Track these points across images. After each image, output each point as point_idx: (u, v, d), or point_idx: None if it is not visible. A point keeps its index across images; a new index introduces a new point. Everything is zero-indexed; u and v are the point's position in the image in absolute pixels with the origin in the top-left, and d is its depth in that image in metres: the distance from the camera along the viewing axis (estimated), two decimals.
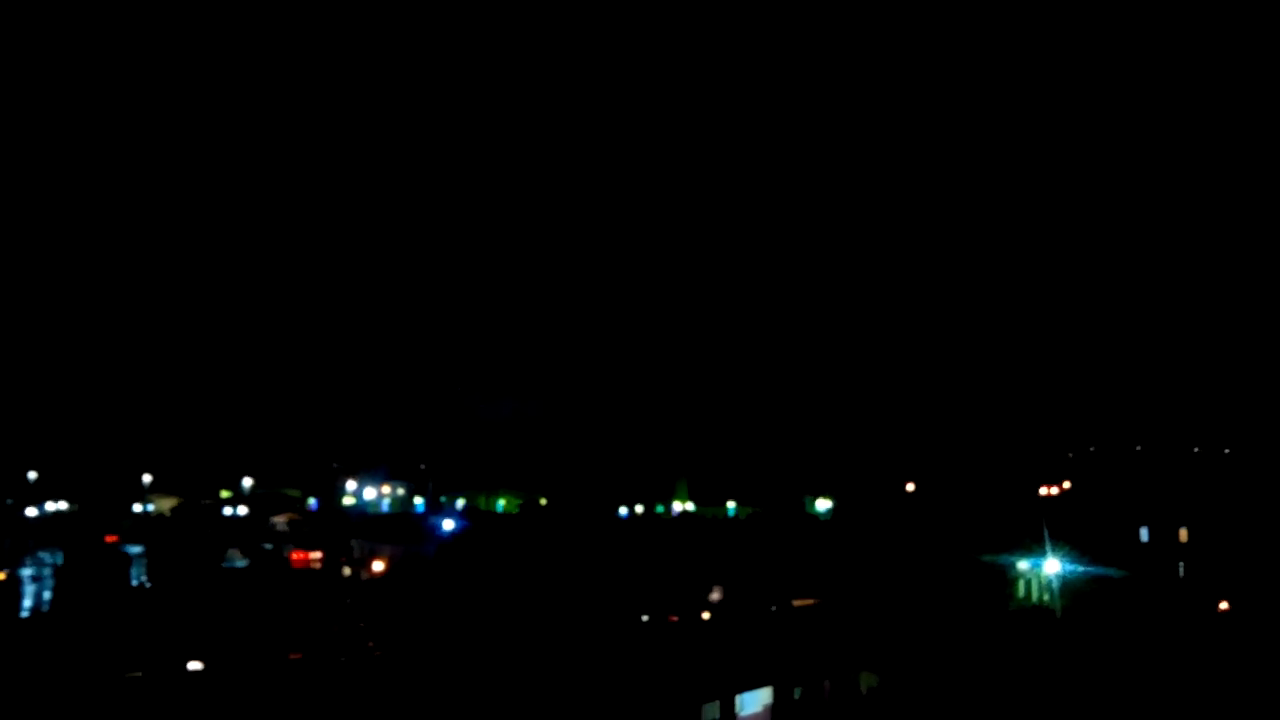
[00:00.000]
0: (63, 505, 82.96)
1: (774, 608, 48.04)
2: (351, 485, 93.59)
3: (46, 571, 62.24)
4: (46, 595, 55.96)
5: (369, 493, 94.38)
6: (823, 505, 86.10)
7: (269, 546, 71.85)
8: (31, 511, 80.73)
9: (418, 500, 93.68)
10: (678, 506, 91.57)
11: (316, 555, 69.18)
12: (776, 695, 38.48)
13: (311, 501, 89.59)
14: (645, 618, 46.42)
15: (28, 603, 54.81)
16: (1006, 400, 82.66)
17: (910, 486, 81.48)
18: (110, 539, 72.31)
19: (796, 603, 49.62)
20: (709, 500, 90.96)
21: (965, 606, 46.51)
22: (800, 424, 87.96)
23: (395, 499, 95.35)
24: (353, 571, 63.75)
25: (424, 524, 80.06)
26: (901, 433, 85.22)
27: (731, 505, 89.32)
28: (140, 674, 35.53)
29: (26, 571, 62.37)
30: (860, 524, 72.30)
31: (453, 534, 73.97)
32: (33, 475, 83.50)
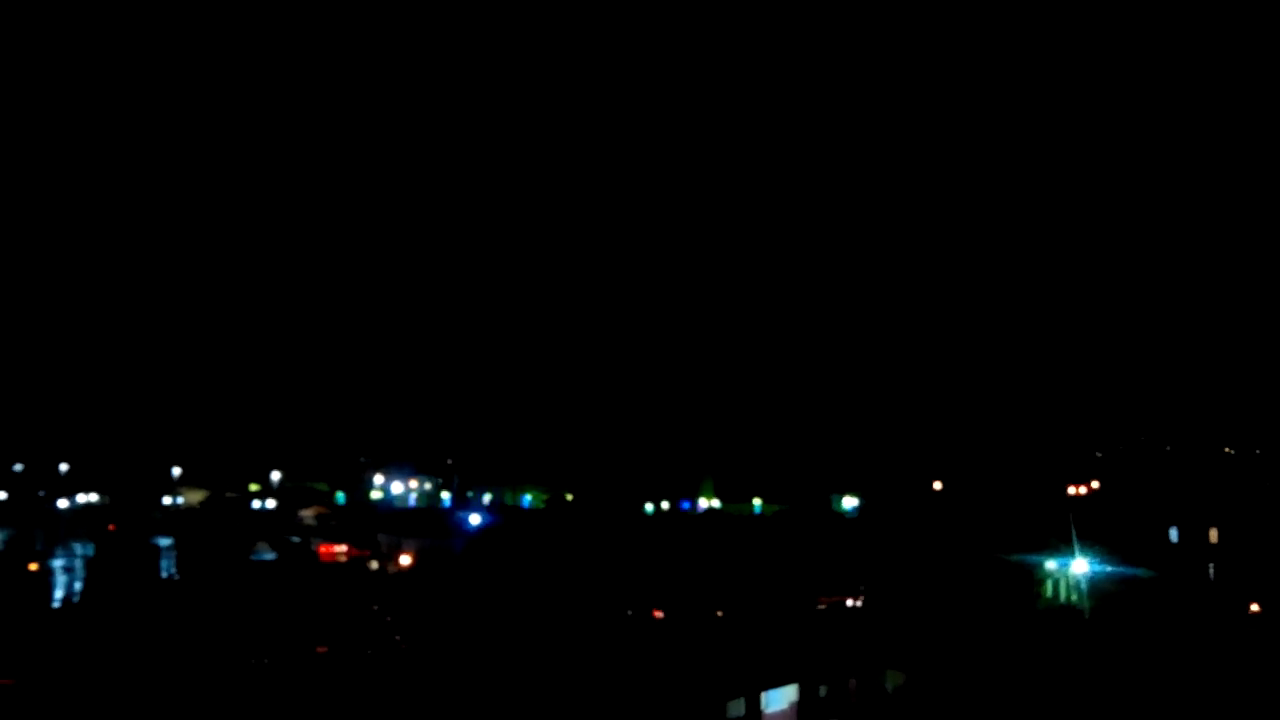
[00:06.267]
0: (93, 497, 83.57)
1: (800, 605, 47.99)
2: (379, 479, 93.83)
3: (78, 563, 62.80)
4: (78, 586, 56.48)
5: (396, 487, 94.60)
6: (849, 503, 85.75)
7: (297, 540, 72.17)
8: (62, 503, 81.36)
9: (444, 495, 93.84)
10: (704, 503, 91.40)
11: (343, 549, 69.46)
12: (802, 692, 38.41)
13: (339, 495, 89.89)
14: (668, 613, 46.46)
15: (59, 593, 55.33)
16: (1035, 399, 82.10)
17: (938, 485, 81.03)
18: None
19: (823, 600, 49.54)
20: (735, 497, 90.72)
21: (992, 606, 46.30)
22: (827, 422, 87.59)
23: (422, 493, 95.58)
24: (380, 565, 64.01)
25: (450, 518, 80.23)
26: (929, 431, 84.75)
27: (758, 502, 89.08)
28: (169, 665, 35.82)
29: (58, 563, 62.93)
30: (887, 522, 72.02)
31: (479, 529, 74.13)
32: (64, 467, 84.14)
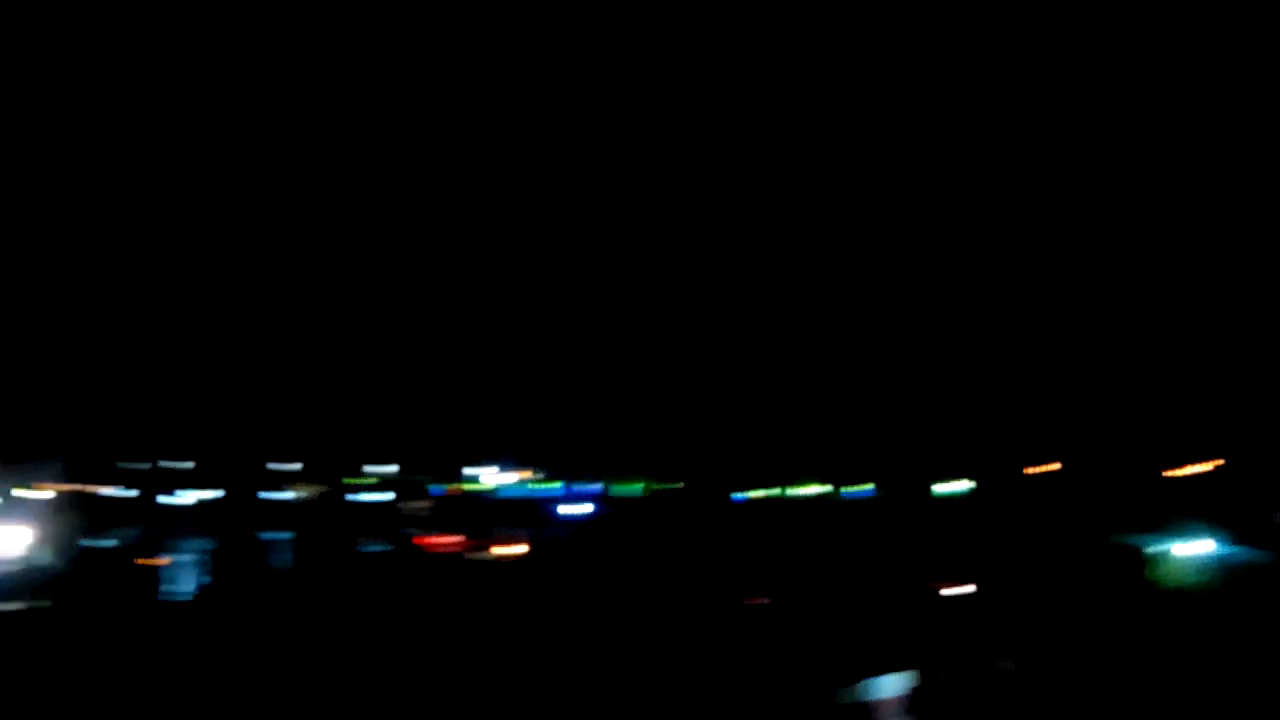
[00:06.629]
0: (212, 494, 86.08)
1: (910, 591, 47.74)
2: (486, 471, 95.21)
3: (200, 557, 64.81)
4: (200, 581, 58.37)
5: (504, 478, 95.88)
6: (956, 487, 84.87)
7: (405, 532, 73.49)
8: (183, 500, 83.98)
9: (549, 485, 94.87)
10: (809, 489, 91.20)
11: (453, 540, 70.57)
12: (913, 680, 38.27)
13: (449, 487, 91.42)
14: (775, 600, 46.55)
15: (183, 588, 57.25)
16: (1149, 373, 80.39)
17: (1047, 467, 79.73)
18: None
19: (932, 586, 49.19)
20: (839, 482, 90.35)
21: (1104, 590, 45.60)
22: (932, 404, 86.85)
23: (530, 484, 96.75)
24: (489, 556, 65.06)
25: (556, 509, 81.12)
26: (1037, 411, 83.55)
27: (865, 487, 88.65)
28: (287, 656, 36.98)
29: (181, 558, 65.02)
30: (996, 506, 71.17)
31: (586, 518, 74.91)
32: (184, 465, 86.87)
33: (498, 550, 65.23)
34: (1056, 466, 79.16)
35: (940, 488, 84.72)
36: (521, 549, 61.57)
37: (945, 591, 48.55)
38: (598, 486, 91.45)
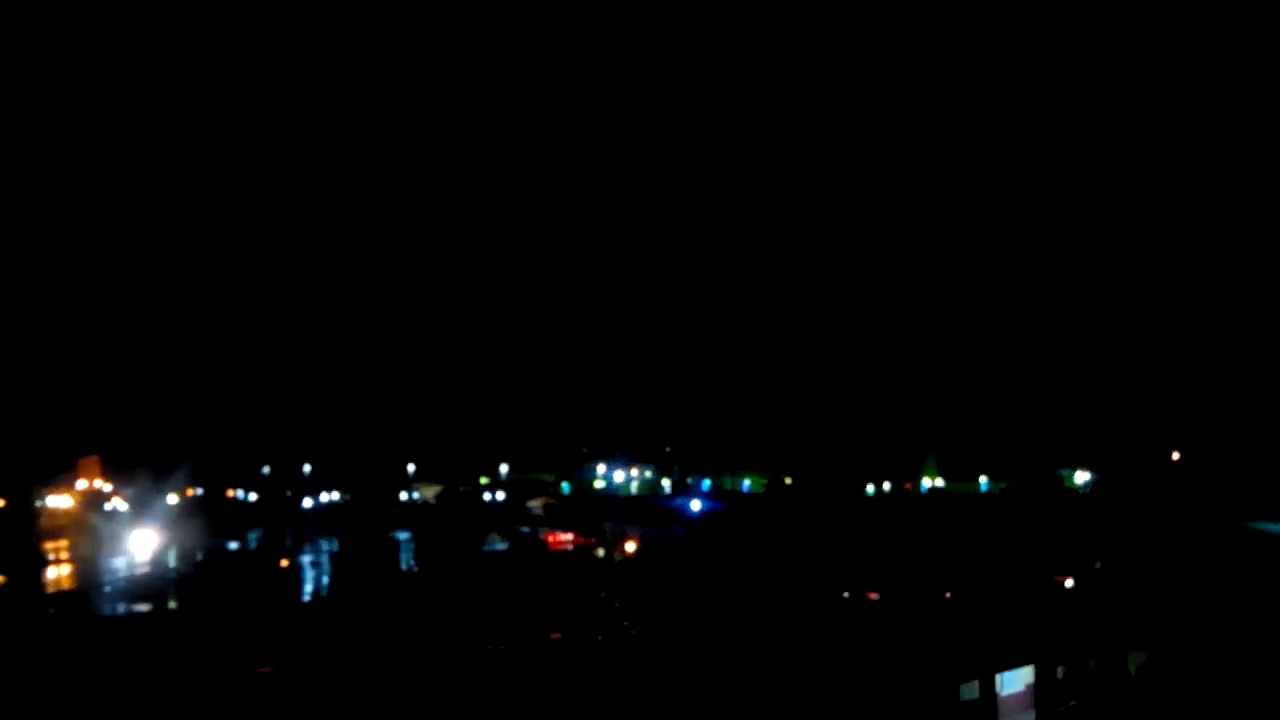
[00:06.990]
0: (335, 496, 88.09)
1: (1033, 583, 46.62)
2: (601, 469, 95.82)
3: (324, 559, 66.22)
4: (324, 580, 59.57)
5: (617, 475, 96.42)
6: (1081, 478, 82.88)
7: (526, 530, 74.30)
8: (308, 502, 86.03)
9: (665, 482, 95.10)
10: (927, 483, 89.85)
11: (570, 537, 71.13)
12: (1038, 674, 37.29)
13: (564, 486, 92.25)
14: (890, 595, 45.79)
15: (308, 587, 58.44)
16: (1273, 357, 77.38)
17: (1174, 454, 77.42)
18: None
19: (1057, 578, 47.97)
20: (959, 476, 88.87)
21: (1239, 577, 43.93)
22: (1052, 395, 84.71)
23: (643, 481, 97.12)
24: (606, 553, 65.30)
25: (671, 505, 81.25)
26: (1161, 399, 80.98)
27: (984, 480, 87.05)
28: (411, 652, 37.39)
29: (306, 558, 66.48)
30: (1122, 494, 69.22)
31: (700, 514, 74.81)
32: (308, 469, 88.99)
33: (613, 547, 65.37)
34: (1185, 454, 76.54)
35: (1064, 479, 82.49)
36: (632, 547, 61.53)
37: (1070, 583, 47.22)
38: (709, 482, 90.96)
